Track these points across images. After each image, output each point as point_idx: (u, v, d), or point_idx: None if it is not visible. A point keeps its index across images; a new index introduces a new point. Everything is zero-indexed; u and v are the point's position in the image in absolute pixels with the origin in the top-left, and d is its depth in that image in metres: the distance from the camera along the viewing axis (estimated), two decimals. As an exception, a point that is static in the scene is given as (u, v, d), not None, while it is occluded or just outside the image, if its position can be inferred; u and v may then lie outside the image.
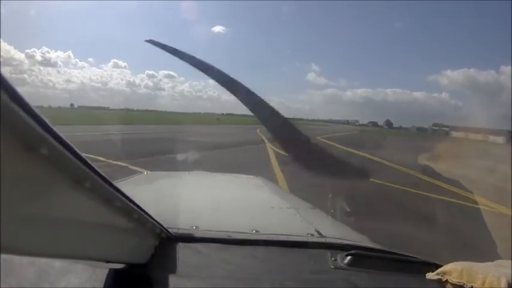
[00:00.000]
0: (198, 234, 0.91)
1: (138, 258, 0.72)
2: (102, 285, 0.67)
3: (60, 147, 0.37)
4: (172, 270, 0.75)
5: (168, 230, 0.86)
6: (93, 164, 0.43)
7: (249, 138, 17.45)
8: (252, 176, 2.12)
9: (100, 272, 0.67)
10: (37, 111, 0.34)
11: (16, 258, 0.66)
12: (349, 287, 0.75)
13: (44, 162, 0.37)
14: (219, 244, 0.88)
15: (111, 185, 0.49)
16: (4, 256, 0.63)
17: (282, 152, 10.85)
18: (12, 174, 0.33)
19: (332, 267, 0.83)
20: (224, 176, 2.36)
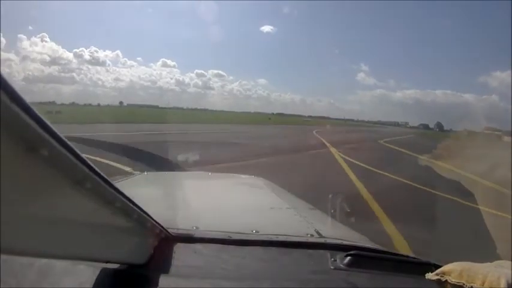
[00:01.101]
0: (197, 235, 0.91)
1: (137, 259, 0.72)
2: (101, 286, 0.67)
3: (60, 148, 0.37)
4: (172, 270, 0.75)
5: (168, 230, 0.86)
6: (92, 164, 0.43)
7: (308, 141, 16.18)
8: (252, 176, 2.12)
9: (100, 272, 0.67)
10: (37, 111, 0.34)
11: (16, 258, 0.66)
12: (349, 287, 0.75)
13: (43, 163, 0.37)
14: (219, 244, 0.88)
15: (110, 185, 0.49)
16: (4, 256, 0.63)
17: (355, 161, 9.58)
18: (12, 174, 0.33)
19: (332, 267, 0.83)
20: (224, 176, 2.36)
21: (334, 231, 1.17)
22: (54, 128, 0.36)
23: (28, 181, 0.36)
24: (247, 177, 2.18)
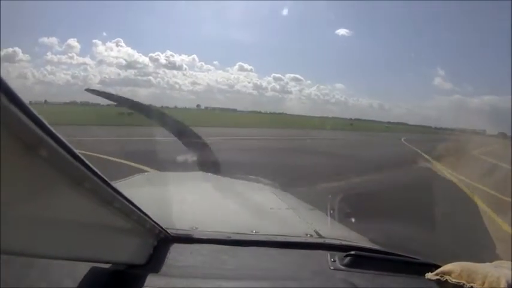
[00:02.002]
0: (197, 235, 0.91)
1: (137, 259, 0.72)
2: (101, 286, 0.67)
3: (59, 149, 0.37)
4: (172, 270, 0.75)
5: (167, 230, 0.85)
6: (91, 165, 0.43)
7: (399, 151, 13.59)
8: (252, 177, 2.12)
9: (100, 273, 0.67)
10: (36, 112, 0.34)
11: (16, 258, 0.66)
12: (348, 287, 0.75)
13: (43, 164, 0.37)
14: (218, 245, 0.88)
15: (110, 186, 0.49)
16: (4, 256, 0.63)
17: (477, 184, 6.28)
18: (12, 175, 0.33)
19: (331, 268, 0.83)
20: (224, 177, 2.36)
21: (333, 231, 1.16)
22: (53, 128, 0.36)
23: (27, 181, 0.36)
24: (246, 177, 2.18)
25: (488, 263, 0.74)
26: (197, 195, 1.57)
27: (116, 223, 0.59)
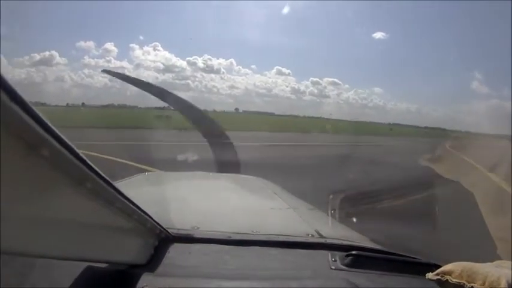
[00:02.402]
0: (197, 235, 0.91)
1: (138, 259, 0.72)
2: (102, 286, 0.67)
3: (61, 148, 0.37)
4: (172, 270, 0.75)
5: (168, 230, 0.86)
6: (93, 165, 0.43)
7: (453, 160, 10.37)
8: (252, 177, 2.11)
9: (100, 273, 0.67)
10: (37, 111, 0.34)
11: (16, 258, 0.66)
12: (349, 287, 0.75)
13: (44, 163, 0.37)
14: (219, 244, 0.88)
15: (111, 185, 0.49)
16: (4, 256, 0.63)
17: None
18: (13, 174, 0.33)
19: (332, 267, 0.83)
20: (224, 177, 2.35)
21: (334, 231, 1.16)
22: (55, 128, 0.36)
23: (28, 181, 0.36)
24: (247, 177, 2.18)
25: (488, 263, 0.74)
26: (198, 194, 1.57)
27: (117, 223, 0.59)
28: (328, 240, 0.97)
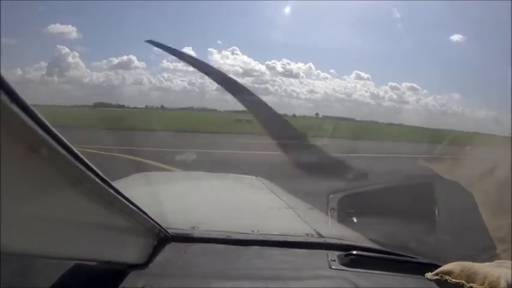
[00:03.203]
0: (196, 235, 0.91)
1: (137, 259, 0.72)
2: (102, 286, 0.67)
3: (60, 149, 0.37)
4: (172, 270, 0.75)
5: (167, 230, 0.86)
6: (92, 165, 0.43)
7: None
8: (252, 176, 2.11)
9: (100, 272, 0.67)
10: (37, 112, 0.34)
11: (16, 259, 0.66)
12: (348, 287, 0.75)
13: (43, 163, 0.37)
14: (218, 244, 0.88)
15: (110, 185, 0.49)
16: (4, 256, 0.63)
17: None
18: (13, 175, 0.33)
19: (331, 267, 0.83)
20: (223, 176, 2.35)
21: (333, 231, 1.16)
22: (54, 128, 0.36)
23: (28, 181, 0.36)
24: (246, 177, 2.18)
25: (488, 263, 0.74)
26: (197, 194, 1.57)
27: (116, 223, 0.59)
28: (328, 240, 0.97)
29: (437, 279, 0.72)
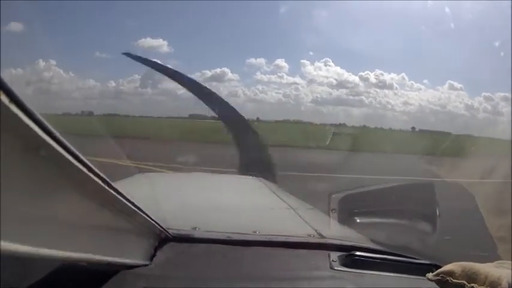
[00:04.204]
0: (197, 235, 0.91)
1: (138, 259, 0.72)
2: (102, 286, 0.67)
3: (60, 149, 0.37)
4: (172, 270, 0.75)
5: (168, 230, 0.86)
6: (93, 166, 0.43)
7: None
8: (252, 177, 2.11)
9: (101, 273, 0.67)
10: (37, 112, 0.34)
11: (16, 259, 0.66)
12: (350, 287, 0.75)
13: (43, 164, 0.37)
14: (219, 245, 0.88)
15: (111, 186, 0.49)
16: (4, 256, 0.63)
17: None
18: (12, 175, 0.33)
19: (332, 268, 0.83)
20: (224, 177, 2.36)
21: (334, 231, 1.16)
22: (54, 129, 0.36)
23: (28, 182, 0.36)
24: (247, 177, 2.18)
25: (489, 263, 0.74)
26: (198, 195, 1.57)
27: (117, 223, 0.59)
28: (329, 241, 0.97)
29: (438, 279, 0.72)
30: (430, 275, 0.74)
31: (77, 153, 0.40)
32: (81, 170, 0.41)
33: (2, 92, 0.29)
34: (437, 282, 0.72)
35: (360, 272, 0.81)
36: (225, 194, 1.67)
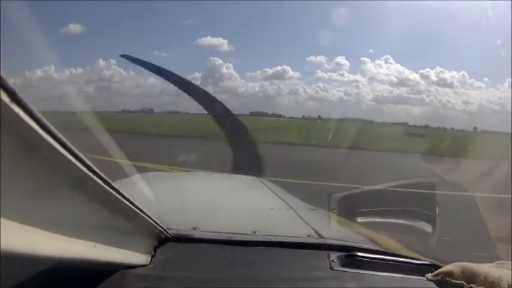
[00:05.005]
0: (197, 235, 0.91)
1: (137, 259, 0.72)
2: (102, 286, 0.67)
3: (60, 149, 0.37)
4: (172, 270, 0.75)
5: (168, 230, 0.86)
6: (93, 165, 0.43)
7: None
8: (252, 177, 2.11)
9: (100, 273, 0.67)
10: (37, 112, 0.34)
11: (16, 259, 0.66)
12: (349, 287, 0.75)
13: (44, 164, 0.37)
14: (219, 245, 0.88)
15: (111, 186, 0.49)
16: (4, 256, 0.63)
17: None
18: (13, 174, 0.33)
19: (332, 268, 0.83)
20: (223, 177, 2.36)
21: (334, 232, 1.16)
22: (54, 128, 0.36)
23: (28, 182, 0.36)
24: (246, 177, 2.18)
25: (488, 263, 0.74)
26: (198, 195, 1.57)
27: (117, 223, 0.59)
28: (328, 241, 0.97)
29: (438, 280, 0.72)
30: (429, 275, 0.74)
31: (78, 152, 0.40)
32: (81, 170, 0.41)
33: (2, 92, 0.29)
34: (437, 282, 0.72)
35: (359, 272, 0.81)
36: (225, 194, 1.67)
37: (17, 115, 0.31)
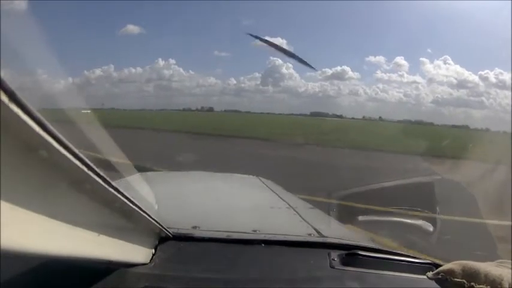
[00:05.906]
0: (197, 234, 0.91)
1: (138, 258, 0.72)
2: (102, 286, 0.67)
3: (60, 148, 0.37)
4: (173, 269, 0.75)
5: (168, 229, 0.86)
6: (92, 165, 0.43)
7: None
8: (252, 176, 2.11)
9: (101, 273, 0.67)
10: (37, 112, 0.34)
11: (16, 259, 0.66)
12: (350, 286, 0.75)
13: (43, 163, 0.37)
14: (219, 244, 0.88)
15: (111, 185, 0.49)
16: (4, 256, 0.63)
17: None
18: (12, 174, 0.33)
19: (332, 267, 0.83)
20: (223, 176, 2.36)
21: (334, 230, 1.16)
22: (54, 128, 0.36)
23: (28, 181, 0.36)
24: (246, 176, 2.18)
25: (489, 262, 0.74)
26: (198, 194, 1.57)
27: (117, 222, 0.59)
28: (328, 240, 0.97)
29: (438, 278, 0.72)
30: (430, 274, 0.74)
31: (77, 152, 0.40)
32: (81, 170, 0.41)
33: (1, 92, 0.29)
34: (437, 281, 0.72)
35: (360, 271, 0.81)
36: (225, 193, 1.67)
37: (16, 115, 0.31)
